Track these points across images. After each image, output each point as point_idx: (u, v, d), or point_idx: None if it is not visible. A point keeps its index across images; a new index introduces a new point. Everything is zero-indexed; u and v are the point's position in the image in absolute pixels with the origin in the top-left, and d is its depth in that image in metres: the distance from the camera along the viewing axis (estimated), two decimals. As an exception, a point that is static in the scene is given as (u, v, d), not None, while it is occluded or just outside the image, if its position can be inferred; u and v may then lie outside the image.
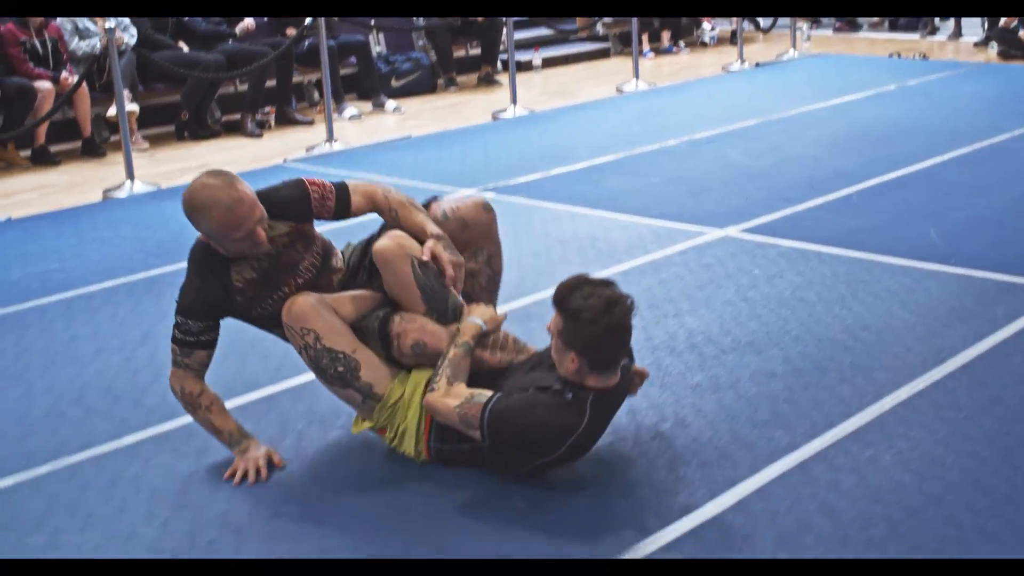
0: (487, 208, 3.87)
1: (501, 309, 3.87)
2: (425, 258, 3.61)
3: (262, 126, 9.49)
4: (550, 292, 5.03)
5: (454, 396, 3.43)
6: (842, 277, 5.18)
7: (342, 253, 3.91)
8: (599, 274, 5.27)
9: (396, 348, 3.64)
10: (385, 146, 8.62)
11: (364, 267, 3.85)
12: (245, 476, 3.56)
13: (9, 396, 4.29)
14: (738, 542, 3.15)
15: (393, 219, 3.71)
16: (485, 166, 7.72)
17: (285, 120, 9.76)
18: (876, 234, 5.76)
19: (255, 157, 8.43)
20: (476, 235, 3.83)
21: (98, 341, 4.81)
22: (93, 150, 8.71)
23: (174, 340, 3.61)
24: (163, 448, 3.78)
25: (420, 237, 3.66)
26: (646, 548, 3.14)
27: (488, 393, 3.41)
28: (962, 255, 5.38)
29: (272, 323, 3.75)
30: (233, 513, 3.41)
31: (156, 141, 9.14)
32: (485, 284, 3.91)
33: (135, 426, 3.98)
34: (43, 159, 8.42)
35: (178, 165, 8.23)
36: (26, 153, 8.48)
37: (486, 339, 3.69)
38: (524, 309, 4.94)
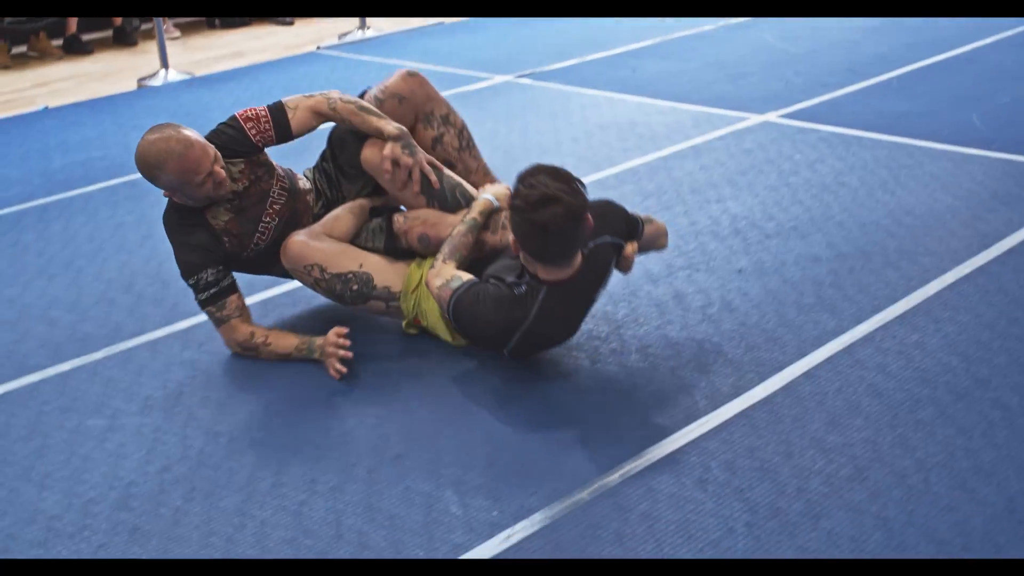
0: (411, 73, 3.84)
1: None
2: (386, 167, 3.63)
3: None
4: (591, 177, 5.10)
5: (440, 275, 3.46)
6: (884, 162, 5.16)
7: (304, 176, 3.96)
8: (640, 160, 5.31)
9: (404, 244, 3.69)
10: (418, 32, 8.57)
11: (334, 183, 3.90)
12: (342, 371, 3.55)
13: (60, 283, 4.34)
14: (788, 424, 3.19)
15: (350, 127, 3.73)
16: (520, 52, 7.66)
17: (316, 7, 9.70)
18: (918, 119, 5.72)
19: (288, 45, 8.40)
20: (417, 102, 3.82)
21: (144, 228, 4.85)
22: (124, 39, 8.69)
23: (202, 304, 3.62)
24: (214, 333, 3.81)
25: (380, 139, 3.69)
26: (697, 429, 3.18)
27: (464, 279, 3.41)
28: (1005, 139, 5.35)
29: (270, 262, 3.81)
30: (294, 393, 3.46)
31: (187, 30, 9.11)
32: (457, 143, 3.89)
33: (186, 312, 4.03)
34: (75, 48, 8.40)
35: (211, 53, 8.20)
36: (58, 42, 8.46)
37: (494, 217, 3.68)
38: (566, 195, 4.93)
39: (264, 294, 4.11)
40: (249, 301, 3.95)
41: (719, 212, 4.68)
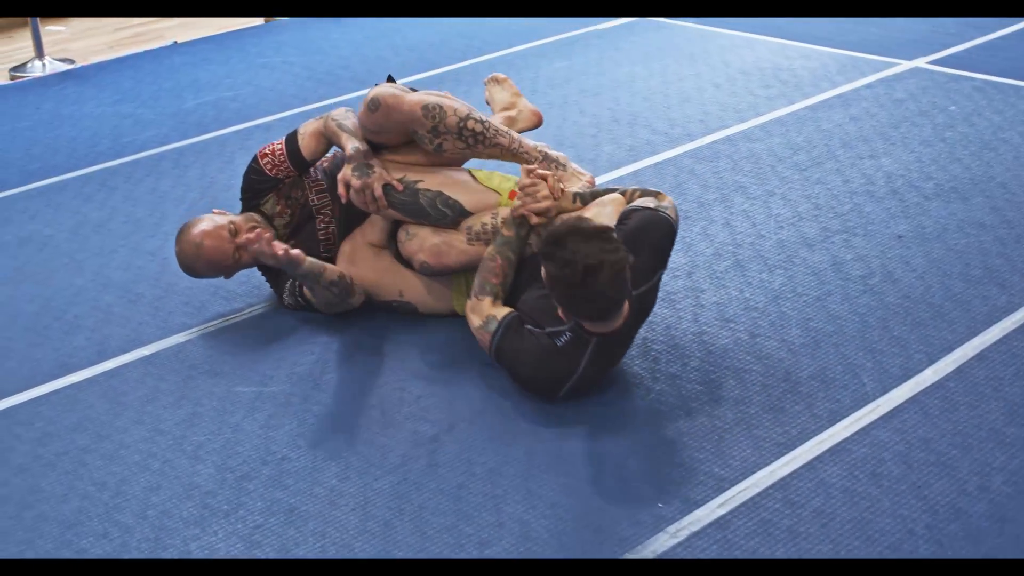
0: (371, 108, 3.43)
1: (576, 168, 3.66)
2: (339, 191, 3.49)
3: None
4: (737, 128, 4.93)
5: (476, 313, 3.28)
6: (1046, 116, 4.92)
7: None
8: (785, 109, 5.11)
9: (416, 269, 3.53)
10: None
11: None
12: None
13: (200, 234, 4.28)
14: (963, 412, 3.04)
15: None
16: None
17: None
18: (1078, 67, 5.46)
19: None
20: (393, 129, 3.46)
21: (280, 176, 4.78)
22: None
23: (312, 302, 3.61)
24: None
25: None
26: (867, 416, 3.04)
27: (499, 318, 3.18)
28: None
29: None
30: (445, 364, 3.37)
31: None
32: (462, 144, 3.47)
33: (329, 270, 3.96)
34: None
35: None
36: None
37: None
38: (711, 147, 4.79)
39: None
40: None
41: (873, 170, 4.49)
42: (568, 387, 3.11)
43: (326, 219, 3.70)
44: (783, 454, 2.91)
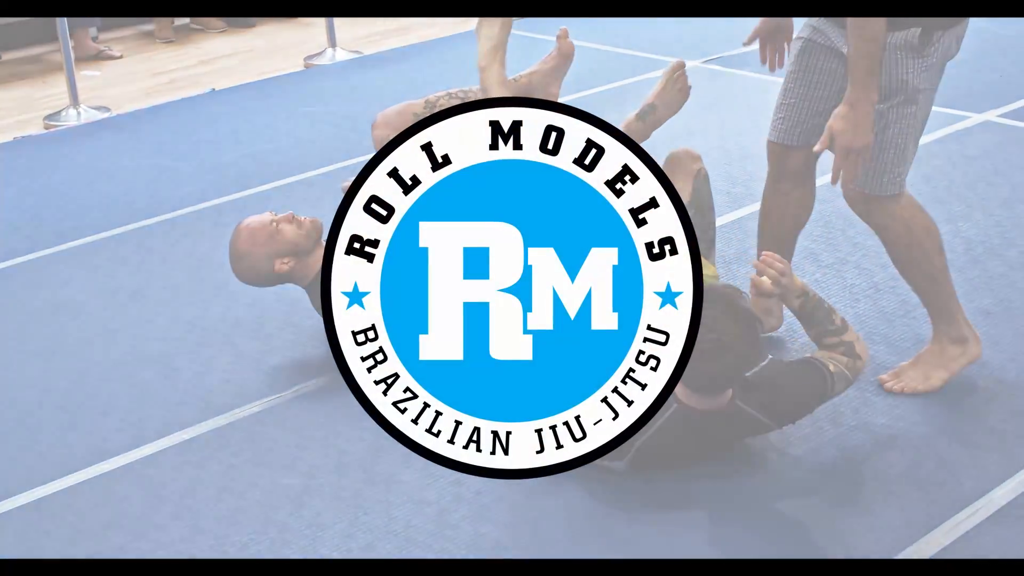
0: (375, 126, 3.92)
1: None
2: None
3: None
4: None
5: None
6: None
7: None
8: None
9: None
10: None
11: None
12: None
13: (242, 302, 4.02)
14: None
15: None
16: (706, 31, 7.18)
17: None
18: None
19: (457, 20, 8.05)
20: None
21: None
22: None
23: None
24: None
25: None
26: (968, 520, 2.80)
27: None
28: None
29: None
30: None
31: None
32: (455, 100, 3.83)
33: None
34: (239, 20, 8.15)
35: (379, 27, 7.88)
36: (221, 13, 8.23)
37: None
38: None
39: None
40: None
41: (951, 235, 4.24)
42: (637, 447, 2.86)
43: None
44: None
